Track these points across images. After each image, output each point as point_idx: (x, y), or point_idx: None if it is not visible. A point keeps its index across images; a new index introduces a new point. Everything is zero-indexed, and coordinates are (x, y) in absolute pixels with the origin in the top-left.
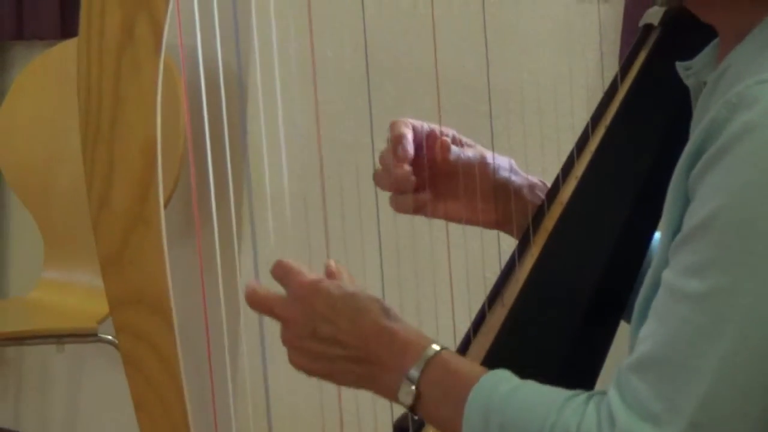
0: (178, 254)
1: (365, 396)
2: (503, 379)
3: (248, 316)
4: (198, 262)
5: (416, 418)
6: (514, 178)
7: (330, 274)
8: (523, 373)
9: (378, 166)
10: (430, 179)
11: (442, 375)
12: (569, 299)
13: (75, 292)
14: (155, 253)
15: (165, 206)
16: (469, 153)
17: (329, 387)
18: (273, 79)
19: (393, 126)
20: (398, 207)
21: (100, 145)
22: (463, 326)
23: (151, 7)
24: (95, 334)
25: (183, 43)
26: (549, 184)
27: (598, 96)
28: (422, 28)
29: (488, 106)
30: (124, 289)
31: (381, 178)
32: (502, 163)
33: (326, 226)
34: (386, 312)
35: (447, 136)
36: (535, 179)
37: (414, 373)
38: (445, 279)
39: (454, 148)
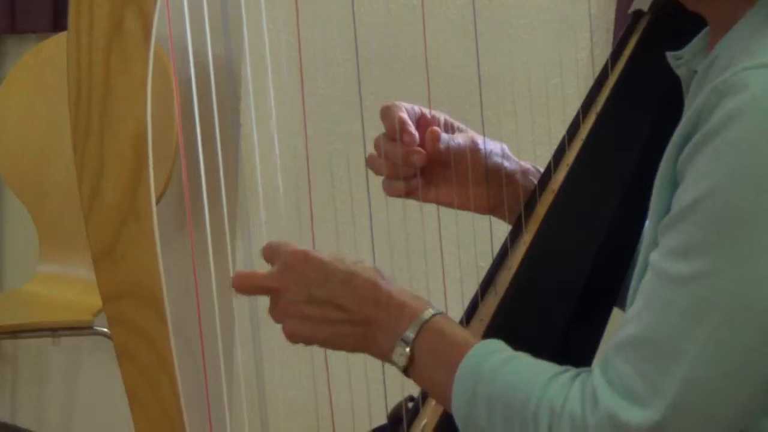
0: (171, 247)
1: (359, 387)
2: (495, 349)
3: (241, 307)
4: (191, 254)
5: (417, 405)
6: (506, 163)
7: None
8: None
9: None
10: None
11: (436, 339)
12: (562, 286)
13: (70, 285)
14: (147, 246)
15: (158, 199)
16: (459, 139)
17: (323, 378)
18: (264, 70)
19: (387, 110)
20: (391, 191)
21: (90, 138)
22: (456, 315)
23: (139, 0)
24: (91, 327)
25: (173, 35)
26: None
27: (590, 85)
28: (413, 19)
29: (479, 95)
30: (116, 282)
31: (375, 163)
32: (494, 148)
33: (318, 217)
34: (379, 273)
35: (438, 119)
36: (527, 164)
37: (409, 334)
38: (437, 267)
39: (443, 136)
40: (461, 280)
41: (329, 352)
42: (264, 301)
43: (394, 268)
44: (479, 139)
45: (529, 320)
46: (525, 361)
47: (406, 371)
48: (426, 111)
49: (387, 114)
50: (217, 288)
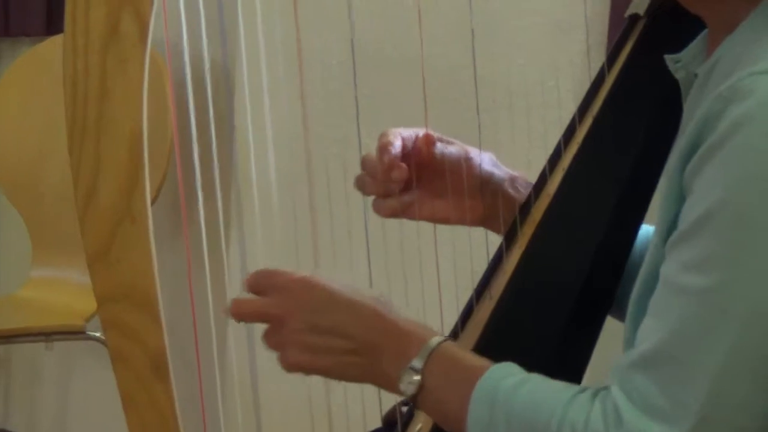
0: (166, 250)
1: (353, 389)
2: (510, 372)
3: None
4: (186, 257)
5: (411, 409)
6: (496, 172)
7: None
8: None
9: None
10: (416, 179)
11: (446, 366)
12: (557, 291)
13: (63, 289)
14: (142, 249)
15: (153, 202)
16: (452, 149)
17: (317, 381)
18: (259, 73)
19: (382, 136)
20: (382, 210)
21: (86, 140)
22: (451, 319)
23: (136, 3)
24: (83, 332)
25: (169, 38)
26: (531, 178)
27: (585, 88)
28: (409, 22)
29: (475, 99)
30: (111, 285)
31: (363, 183)
32: (485, 157)
33: (313, 220)
34: (383, 302)
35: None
36: (516, 173)
37: (417, 363)
38: (432, 272)
39: (438, 144)
40: (456, 284)
41: None
42: None
43: (388, 271)
44: (471, 150)
45: (524, 324)
46: (541, 382)
47: (415, 399)
48: (420, 132)
49: (381, 137)
50: (211, 291)
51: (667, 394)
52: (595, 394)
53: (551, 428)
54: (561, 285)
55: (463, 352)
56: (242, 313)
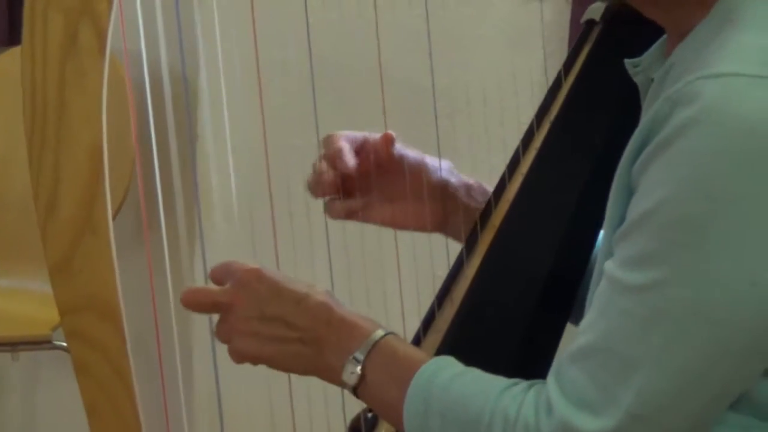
0: (128, 260)
1: (317, 397)
2: (446, 365)
3: (199, 320)
4: (147, 267)
5: (375, 415)
6: (453, 180)
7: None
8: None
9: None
10: (368, 183)
11: (387, 358)
12: (518, 296)
13: (28, 299)
14: (104, 260)
15: (116, 212)
16: (411, 153)
17: (281, 388)
18: (219, 83)
19: (328, 140)
20: (333, 213)
21: (46, 152)
22: (413, 324)
23: (94, 13)
24: (49, 341)
25: (128, 48)
26: (491, 184)
27: (544, 94)
28: (366, 30)
29: (434, 105)
30: (73, 296)
31: (313, 187)
32: (443, 164)
33: (274, 228)
34: (331, 297)
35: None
36: (471, 181)
37: (359, 355)
38: (394, 277)
39: (397, 146)
40: (418, 290)
41: None
42: None
43: (350, 278)
44: (427, 157)
45: (485, 330)
46: (477, 375)
47: (356, 391)
48: (370, 135)
49: (327, 142)
50: (174, 300)
51: (599, 388)
52: (529, 386)
53: (484, 418)
54: (522, 290)
55: (405, 346)
56: (193, 302)
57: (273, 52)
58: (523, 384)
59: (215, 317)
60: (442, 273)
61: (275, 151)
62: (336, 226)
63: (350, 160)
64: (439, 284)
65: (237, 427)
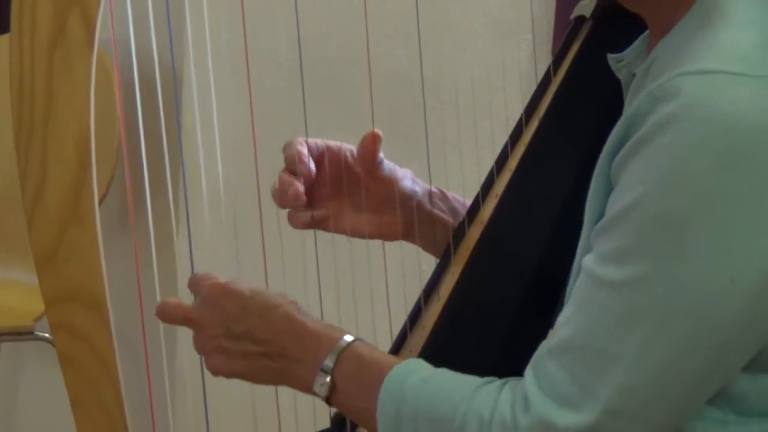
0: (114, 250)
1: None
2: (416, 369)
3: None
4: (134, 257)
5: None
6: (416, 187)
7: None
8: (460, 366)
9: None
10: (334, 192)
11: (356, 365)
12: (504, 292)
13: (11, 290)
14: (90, 250)
15: (101, 201)
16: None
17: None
18: (207, 73)
19: (287, 145)
20: (295, 223)
21: (33, 141)
22: (400, 319)
23: (83, 3)
24: (32, 332)
25: (116, 38)
26: (479, 177)
27: (532, 88)
28: (356, 21)
29: (422, 98)
30: (59, 286)
31: (278, 196)
32: (406, 172)
33: (261, 220)
34: (297, 308)
35: (345, 152)
36: (433, 188)
37: (328, 363)
38: (380, 272)
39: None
40: (404, 283)
41: None
42: None
43: (337, 271)
44: (394, 165)
45: (472, 326)
46: (447, 376)
47: (329, 401)
48: (333, 144)
49: (287, 148)
50: (160, 291)
51: (577, 383)
52: (503, 384)
53: (456, 419)
54: (509, 285)
55: (372, 351)
56: (166, 315)
57: (262, 42)
58: (497, 382)
59: None
60: (428, 268)
61: (263, 141)
62: None
63: (307, 164)
64: (425, 279)
65: (222, 419)
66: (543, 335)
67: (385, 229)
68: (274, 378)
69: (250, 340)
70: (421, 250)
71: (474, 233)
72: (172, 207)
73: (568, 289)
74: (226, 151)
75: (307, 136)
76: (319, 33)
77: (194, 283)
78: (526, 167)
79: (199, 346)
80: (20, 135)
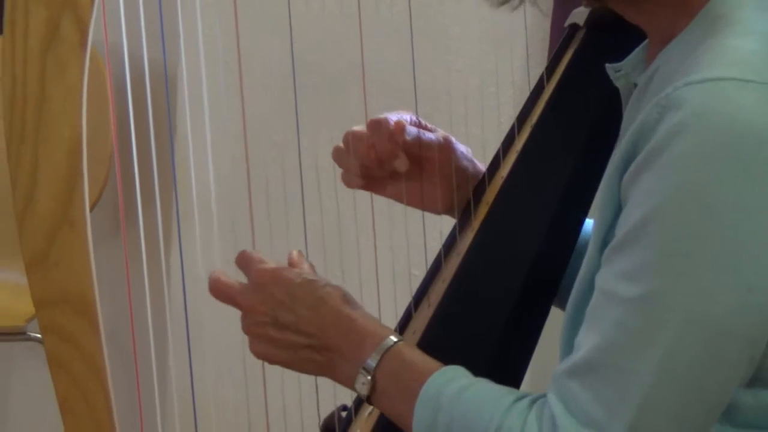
0: (105, 254)
1: (292, 396)
2: (455, 376)
3: (174, 315)
4: (124, 261)
5: (350, 414)
6: (470, 166)
7: (292, 263)
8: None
9: (308, 163)
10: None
11: (397, 367)
12: (497, 295)
13: (2, 290)
14: (81, 254)
15: (93, 205)
16: (431, 135)
17: (255, 387)
18: (200, 77)
19: (378, 121)
20: (352, 183)
21: (25, 144)
22: (390, 322)
23: (76, 6)
24: (23, 333)
25: (109, 41)
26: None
27: (525, 95)
28: (349, 28)
29: (415, 105)
30: (49, 289)
31: (340, 157)
32: (463, 149)
33: (252, 224)
34: (346, 299)
35: (405, 118)
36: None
37: (370, 363)
38: (371, 276)
39: (411, 129)
40: (395, 288)
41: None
42: (198, 311)
43: (327, 275)
44: (452, 139)
45: (462, 332)
46: (485, 387)
47: (370, 399)
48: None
49: (377, 121)
50: (150, 295)
51: (601, 402)
52: (533, 401)
53: None
54: (501, 290)
55: (415, 354)
56: (216, 292)
57: (255, 47)
58: (529, 399)
59: (191, 315)
60: (419, 272)
61: (254, 146)
62: (314, 220)
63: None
64: (415, 283)
65: (211, 424)
66: (541, 323)
67: (431, 201)
68: (318, 370)
69: (297, 331)
70: (411, 253)
71: (466, 238)
72: (160, 213)
73: (571, 298)
74: (217, 155)
75: (299, 142)
76: (312, 39)
77: (244, 262)
78: (519, 174)
79: (246, 328)
80: (12, 138)
